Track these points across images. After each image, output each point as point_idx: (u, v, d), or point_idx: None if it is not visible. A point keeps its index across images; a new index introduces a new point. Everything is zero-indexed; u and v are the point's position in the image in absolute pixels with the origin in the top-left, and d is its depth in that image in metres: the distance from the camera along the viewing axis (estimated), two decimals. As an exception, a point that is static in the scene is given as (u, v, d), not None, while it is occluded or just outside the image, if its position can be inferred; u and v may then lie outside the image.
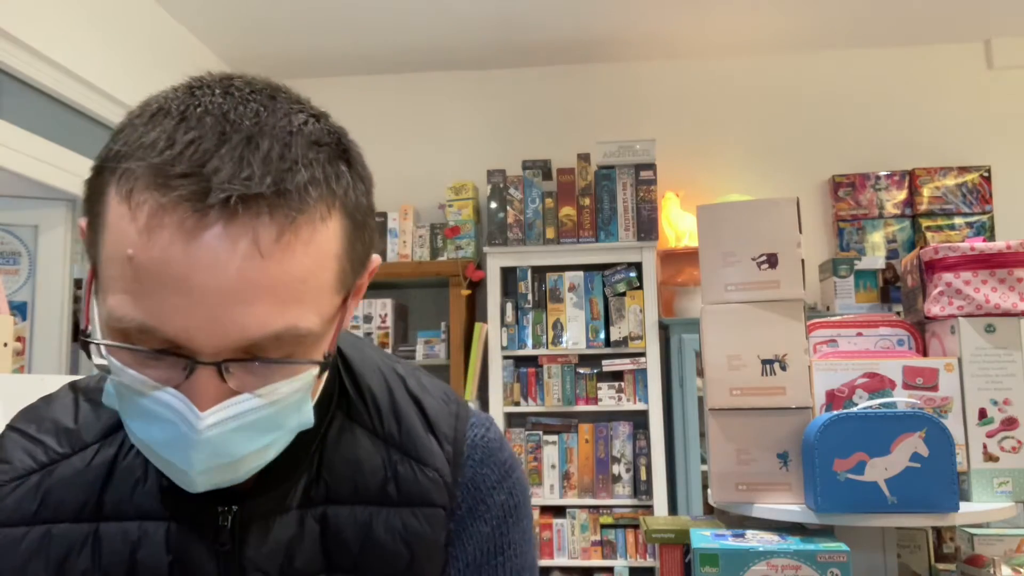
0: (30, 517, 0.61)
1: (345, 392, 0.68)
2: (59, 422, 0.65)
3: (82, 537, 0.61)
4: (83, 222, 0.56)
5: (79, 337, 0.56)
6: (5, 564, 0.60)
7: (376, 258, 0.63)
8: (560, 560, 2.96)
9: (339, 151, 0.56)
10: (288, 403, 0.55)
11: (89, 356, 0.55)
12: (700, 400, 2.90)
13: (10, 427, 0.65)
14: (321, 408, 0.64)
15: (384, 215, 3.33)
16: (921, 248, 1.33)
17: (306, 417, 0.58)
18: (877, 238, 3.26)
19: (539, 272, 3.12)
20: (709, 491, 1.29)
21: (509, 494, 0.71)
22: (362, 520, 0.64)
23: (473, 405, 2.97)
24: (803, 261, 1.25)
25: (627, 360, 2.99)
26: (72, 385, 0.69)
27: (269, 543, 0.62)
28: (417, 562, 0.65)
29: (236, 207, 0.48)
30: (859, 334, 1.37)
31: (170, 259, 0.48)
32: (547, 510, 3.03)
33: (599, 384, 3.01)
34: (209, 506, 0.61)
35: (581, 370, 3.03)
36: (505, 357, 3.07)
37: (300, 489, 0.64)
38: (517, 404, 3.04)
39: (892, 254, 3.23)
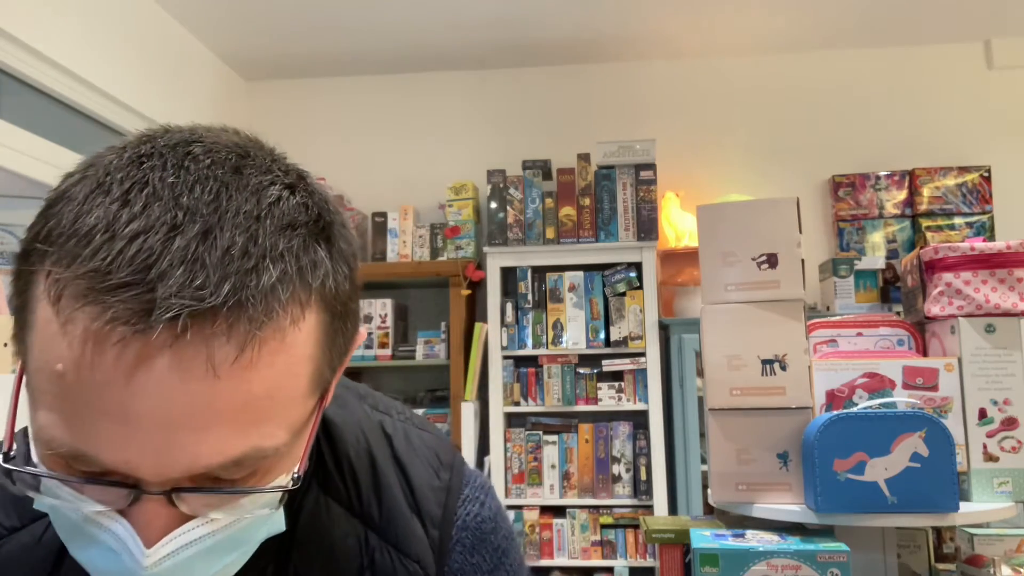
0: None
1: (322, 461, 0.60)
2: (6, 488, 0.54)
3: None
4: (9, 305, 0.46)
5: None
6: None
7: (362, 332, 0.55)
8: (560, 560, 2.96)
9: (317, 230, 0.46)
10: (252, 521, 0.48)
11: (13, 483, 0.45)
12: (700, 400, 2.90)
13: None
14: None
15: (384, 215, 3.33)
16: (921, 248, 1.33)
17: (276, 526, 0.50)
18: (877, 238, 3.26)
19: (539, 272, 3.12)
20: (709, 491, 1.29)
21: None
22: None
23: (473, 406, 2.98)
24: (803, 261, 1.25)
25: (627, 360, 2.99)
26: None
27: None
28: None
29: (186, 325, 0.40)
30: (859, 334, 1.37)
31: (107, 383, 0.40)
32: (547, 510, 3.03)
33: (599, 384, 3.01)
34: None
35: (581, 370, 3.03)
36: (505, 357, 3.07)
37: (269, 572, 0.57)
38: (517, 404, 3.04)
39: (892, 254, 3.23)
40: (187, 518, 0.45)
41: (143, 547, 0.43)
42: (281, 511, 0.50)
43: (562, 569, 2.99)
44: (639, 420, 3.00)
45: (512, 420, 3.14)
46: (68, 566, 0.54)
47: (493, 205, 3.15)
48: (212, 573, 0.47)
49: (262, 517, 0.48)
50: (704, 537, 1.14)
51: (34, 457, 0.46)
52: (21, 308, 0.45)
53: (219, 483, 0.45)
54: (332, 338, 0.48)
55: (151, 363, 0.40)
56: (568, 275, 3.07)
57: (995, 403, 1.23)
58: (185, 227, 0.41)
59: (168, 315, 0.39)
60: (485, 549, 0.65)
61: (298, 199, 0.46)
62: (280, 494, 0.48)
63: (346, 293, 0.49)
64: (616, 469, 2.98)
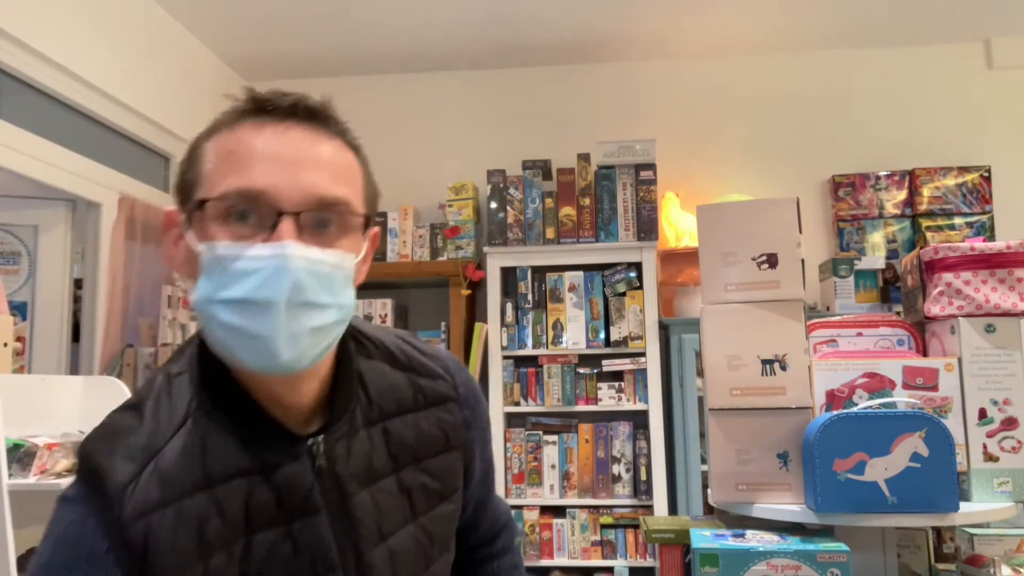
0: (159, 503, 0.70)
1: (360, 342, 0.87)
2: (135, 429, 0.75)
3: (205, 505, 0.72)
4: (169, 208, 0.77)
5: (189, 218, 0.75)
6: (160, 545, 0.69)
7: (376, 229, 0.83)
8: (560, 560, 2.96)
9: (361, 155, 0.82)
10: (339, 274, 0.73)
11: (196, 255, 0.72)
12: (700, 400, 2.90)
13: (97, 451, 0.74)
14: (348, 370, 0.83)
15: (384, 215, 3.33)
16: (921, 248, 1.33)
17: (348, 300, 0.74)
18: (877, 238, 3.26)
19: (539, 272, 3.12)
20: (709, 491, 1.29)
21: (480, 398, 0.98)
22: (411, 424, 0.86)
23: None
24: (803, 261, 1.25)
25: (627, 360, 2.99)
26: (124, 405, 0.79)
27: (352, 456, 0.80)
28: (450, 440, 0.90)
29: (304, 119, 0.74)
30: (859, 334, 1.37)
31: (264, 145, 0.71)
32: (547, 510, 3.03)
33: (599, 384, 3.01)
34: (295, 443, 0.76)
35: (581, 370, 3.03)
36: (505, 357, 3.07)
37: (359, 415, 0.82)
38: (517, 404, 3.04)
39: (892, 254, 3.23)
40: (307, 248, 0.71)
41: (285, 242, 0.68)
42: (352, 295, 0.75)
43: (562, 569, 2.99)
44: (639, 420, 3.00)
45: (512, 420, 3.14)
46: (210, 457, 0.73)
47: (493, 205, 3.15)
48: (313, 299, 0.70)
49: (344, 277, 0.73)
50: (704, 537, 1.14)
51: (202, 249, 0.71)
52: (189, 177, 0.74)
53: (325, 220, 0.72)
54: (368, 181, 0.80)
55: (288, 134, 0.73)
56: (568, 275, 3.07)
57: (995, 403, 1.23)
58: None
59: (295, 114, 0.74)
60: (480, 408, 0.96)
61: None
62: (353, 265, 0.75)
63: (372, 177, 0.82)
64: (616, 469, 2.98)
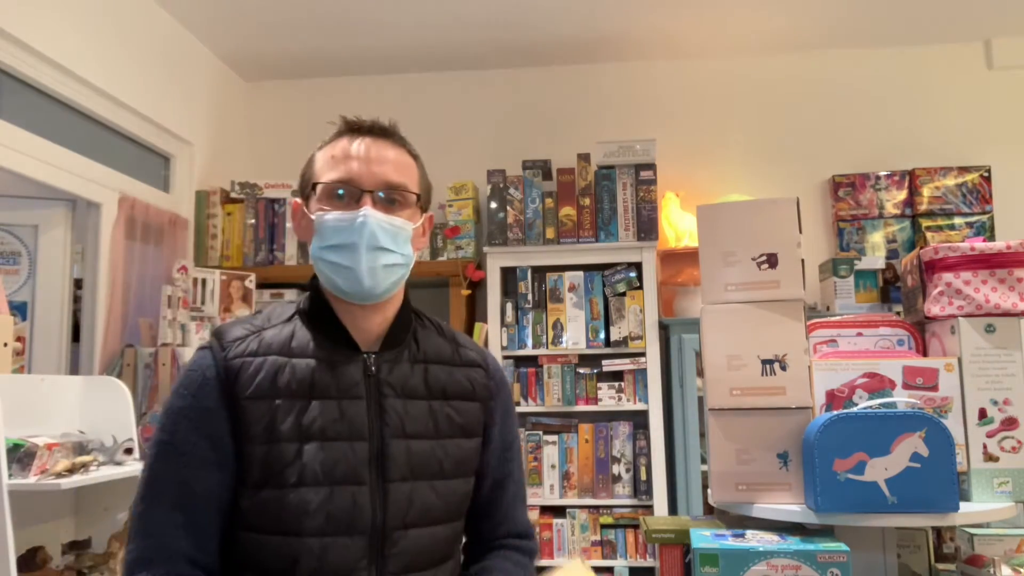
0: (253, 353, 1.06)
1: (419, 315, 1.22)
2: (254, 319, 1.14)
3: (284, 364, 1.06)
4: (295, 200, 1.17)
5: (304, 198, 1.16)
6: (245, 376, 1.04)
7: (431, 214, 1.20)
8: (560, 560, 2.96)
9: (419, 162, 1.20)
10: (401, 233, 1.10)
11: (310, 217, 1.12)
12: (700, 400, 2.90)
13: (224, 324, 1.12)
14: (406, 319, 1.17)
15: (384, 215, 3.33)
16: (921, 248, 1.33)
17: (408, 251, 1.12)
18: (877, 238, 3.26)
19: (539, 272, 3.12)
20: (709, 491, 1.29)
21: (507, 384, 1.27)
22: (447, 371, 1.16)
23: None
24: (803, 261, 1.25)
25: (627, 360, 2.99)
26: (254, 314, 1.19)
27: (394, 373, 1.11)
28: (476, 392, 1.18)
29: (379, 135, 1.14)
30: (859, 334, 1.37)
31: (352, 149, 1.11)
32: (547, 510, 3.03)
33: (599, 384, 3.01)
34: (356, 353, 1.10)
35: (581, 370, 3.03)
36: (505, 357, 3.07)
37: (408, 353, 1.14)
38: (517, 404, 3.04)
39: (892, 254, 3.23)
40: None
41: (365, 207, 1.08)
42: (411, 250, 1.13)
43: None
44: (639, 420, 3.00)
45: (512, 420, 3.13)
46: (296, 341, 1.09)
47: (493, 205, 3.15)
48: (384, 245, 1.07)
49: (406, 237, 1.11)
50: (704, 537, 1.14)
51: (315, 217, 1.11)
52: (307, 175, 1.15)
53: (391, 197, 1.11)
54: (422, 177, 1.18)
55: (367, 143, 1.12)
56: (568, 275, 3.07)
57: (995, 403, 1.23)
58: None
59: (372, 131, 1.14)
60: (504, 389, 1.24)
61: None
62: (411, 229, 1.13)
63: (427, 183, 1.20)
64: (616, 469, 2.98)
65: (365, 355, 1.10)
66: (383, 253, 1.07)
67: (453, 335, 1.23)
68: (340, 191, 1.09)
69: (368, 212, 1.06)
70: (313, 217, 1.10)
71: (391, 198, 1.10)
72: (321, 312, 1.12)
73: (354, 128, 1.14)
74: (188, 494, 1.01)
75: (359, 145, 1.11)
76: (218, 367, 1.04)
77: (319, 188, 1.10)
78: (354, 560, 1.01)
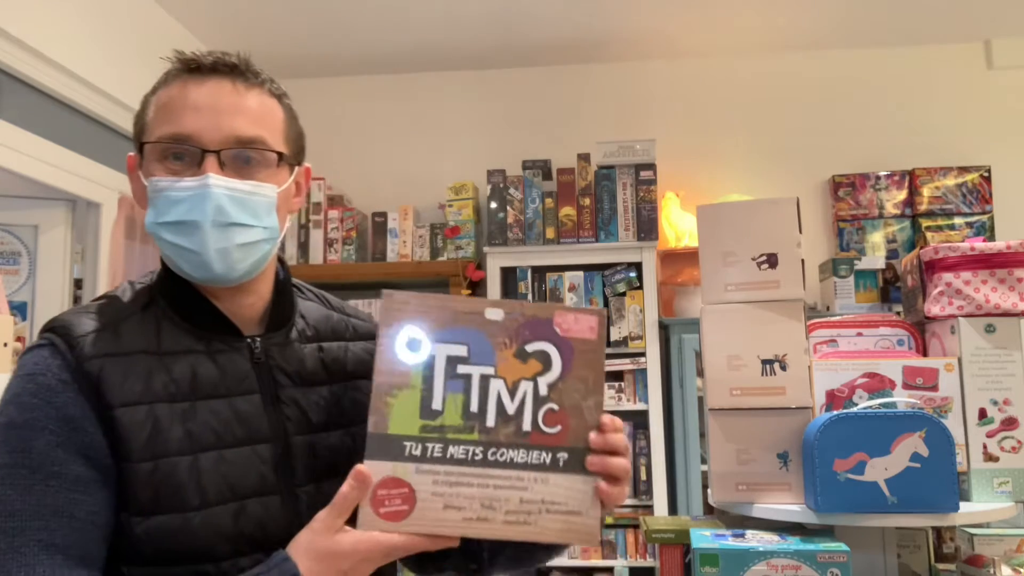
0: (113, 352, 0.85)
1: (299, 287, 1.04)
2: (101, 308, 0.90)
3: (155, 364, 0.86)
4: (130, 153, 0.93)
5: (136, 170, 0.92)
6: (112, 380, 0.83)
7: (308, 166, 0.99)
8: (560, 560, 2.96)
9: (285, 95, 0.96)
10: (260, 201, 0.88)
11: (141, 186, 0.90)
12: (700, 400, 2.90)
13: (63, 315, 0.89)
14: (287, 294, 0.99)
15: (384, 215, 3.33)
16: (921, 248, 1.33)
17: (272, 223, 0.90)
18: (877, 238, 3.26)
19: (539, 272, 3.12)
20: (709, 491, 1.29)
21: None
22: (344, 349, 1.00)
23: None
24: (803, 261, 1.25)
25: (627, 360, 2.99)
26: (98, 298, 0.95)
27: (287, 360, 0.94)
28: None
29: (226, 73, 0.88)
30: (859, 334, 1.37)
31: (193, 96, 0.86)
32: (547, 510, 3.02)
33: (599, 384, 3.01)
34: (238, 339, 0.91)
35: (581, 370, 3.03)
36: (505, 357, 3.06)
37: (295, 332, 0.97)
38: (517, 404, 3.04)
39: (892, 254, 3.23)
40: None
41: (207, 174, 0.84)
42: (276, 221, 0.90)
43: (562, 569, 2.99)
44: (639, 420, 3.00)
45: (512, 420, 3.13)
46: (164, 333, 0.89)
47: (493, 205, 3.15)
48: (235, 220, 0.86)
49: (266, 205, 0.89)
50: (704, 537, 1.14)
51: (143, 177, 0.89)
52: (138, 126, 0.91)
53: (245, 156, 0.87)
54: (290, 125, 0.94)
55: (210, 87, 0.87)
56: (568, 275, 3.07)
57: (995, 403, 1.23)
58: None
59: (216, 70, 0.88)
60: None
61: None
62: (275, 194, 0.90)
63: (297, 121, 0.96)
64: (616, 469, 2.98)
65: (249, 340, 0.92)
66: (237, 229, 0.86)
67: (341, 306, 1.07)
68: (176, 152, 0.86)
69: (212, 180, 0.84)
70: (146, 183, 0.87)
71: (245, 157, 0.87)
72: (184, 293, 0.91)
73: (192, 67, 0.88)
74: (65, 526, 0.78)
75: (199, 90, 0.87)
76: (70, 369, 0.82)
77: (148, 148, 0.87)
78: None
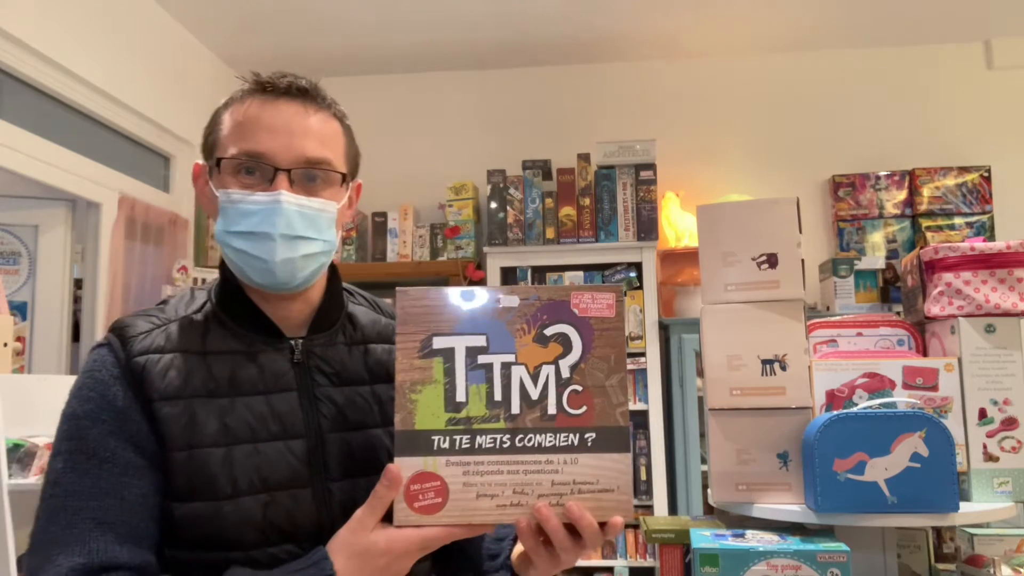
0: (159, 349, 0.93)
1: (350, 292, 1.10)
2: (161, 310, 1.00)
3: (197, 362, 0.93)
4: (197, 162, 0.99)
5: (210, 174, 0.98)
6: (153, 374, 0.91)
7: (359, 182, 1.06)
8: (560, 560, 2.96)
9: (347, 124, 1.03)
10: (323, 217, 0.95)
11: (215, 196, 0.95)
12: (700, 400, 2.90)
13: (125, 318, 0.97)
14: (336, 299, 1.04)
15: (384, 215, 3.33)
16: (921, 248, 1.33)
17: (331, 237, 0.97)
18: (877, 238, 3.26)
19: (539, 272, 3.12)
20: (709, 491, 1.29)
21: None
22: (390, 351, 1.03)
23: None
24: (803, 261, 1.25)
25: (627, 360, 2.98)
26: (161, 301, 1.04)
27: (328, 358, 0.99)
28: None
29: (297, 96, 0.95)
30: (859, 334, 1.37)
31: (265, 118, 0.93)
32: (547, 510, 3.03)
33: (599, 384, 3.01)
34: (280, 340, 0.97)
35: (581, 370, 3.03)
36: (505, 357, 3.06)
37: (341, 334, 1.02)
38: (517, 404, 3.04)
39: (892, 254, 3.23)
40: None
41: (279, 190, 0.91)
42: (335, 235, 0.97)
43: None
44: (639, 420, 3.00)
45: (512, 420, 3.13)
46: (211, 335, 0.95)
47: (493, 205, 3.15)
48: (302, 233, 0.93)
49: (328, 219, 0.96)
50: (704, 537, 1.14)
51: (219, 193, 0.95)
52: (211, 139, 0.97)
53: (312, 175, 0.94)
54: (349, 145, 1.01)
55: (283, 108, 0.94)
56: (568, 275, 3.07)
57: (995, 403, 1.23)
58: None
59: (289, 93, 0.95)
60: None
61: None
62: (335, 210, 0.96)
63: (354, 141, 1.03)
64: (616, 469, 2.98)
65: (292, 341, 0.98)
66: (301, 242, 0.93)
67: (391, 311, 1.10)
68: (250, 167, 0.92)
69: (284, 196, 0.91)
70: (218, 195, 0.94)
71: (312, 176, 0.94)
72: (235, 298, 0.97)
73: (267, 88, 0.95)
74: (116, 506, 0.86)
75: (273, 112, 0.93)
76: (120, 366, 0.91)
77: (224, 163, 0.93)
78: None
